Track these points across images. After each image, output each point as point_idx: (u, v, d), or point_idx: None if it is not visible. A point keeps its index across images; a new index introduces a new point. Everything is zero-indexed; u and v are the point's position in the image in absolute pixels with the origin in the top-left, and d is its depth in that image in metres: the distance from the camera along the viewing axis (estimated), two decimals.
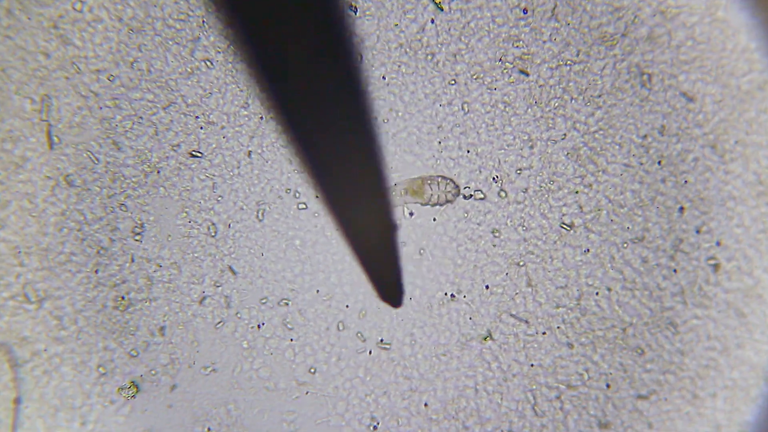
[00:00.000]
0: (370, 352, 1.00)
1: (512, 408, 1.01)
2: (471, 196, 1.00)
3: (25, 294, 0.97)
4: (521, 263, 1.01)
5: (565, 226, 1.00)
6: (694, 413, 1.02)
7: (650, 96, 1.00)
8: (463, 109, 1.00)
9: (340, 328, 1.01)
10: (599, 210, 1.00)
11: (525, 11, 1.00)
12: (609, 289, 1.00)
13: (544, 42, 1.00)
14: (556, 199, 1.00)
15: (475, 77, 1.00)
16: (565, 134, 1.00)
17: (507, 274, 1.01)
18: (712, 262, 1.01)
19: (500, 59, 1.00)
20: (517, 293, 1.01)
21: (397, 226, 0.98)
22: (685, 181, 1.01)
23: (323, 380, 1.01)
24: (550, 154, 1.00)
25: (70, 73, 0.96)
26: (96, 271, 0.98)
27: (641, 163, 1.00)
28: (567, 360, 1.01)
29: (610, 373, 1.01)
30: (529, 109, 1.01)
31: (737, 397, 1.03)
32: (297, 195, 0.99)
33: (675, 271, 1.01)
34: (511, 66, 1.00)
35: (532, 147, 1.01)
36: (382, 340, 1.00)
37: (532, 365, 1.01)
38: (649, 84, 1.00)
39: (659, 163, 1.00)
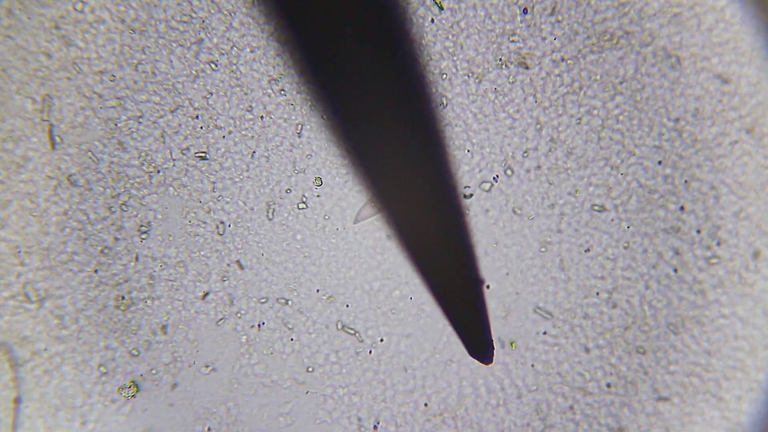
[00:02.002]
0: (370, 352, 1.00)
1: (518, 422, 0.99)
2: (471, 195, 0.98)
3: (26, 293, 0.98)
4: (542, 249, 0.98)
5: (596, 208, 0.97)
6: (719, 417, 0.99)
7: (681, 78, 0.97)
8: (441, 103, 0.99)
9: (339, 327, 1.00)
10: (629, 194, 0.97)
11: (525, 11, 0.98)
12: (647, 287, 0.98)
13: (544, 38, 0.98)
14: (578, 178, 0.97)
15: (469, 71, 0.98)
16: (580, 119, 0.97)
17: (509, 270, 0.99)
18: (751, 249, 0.99)
19: (500, 59, 0.98)
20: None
21: (483, 281, 0.96)
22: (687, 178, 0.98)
23: (321, 378, 1.00)
24: (563, 139, 0.98)
25: (72, 74, 0.97)
26: (96, 271, 0.98)
27: (674, 147, 0.97)
28: (585, 365, 0.98)
29: (628, 376, 0.98)
30: (529, 98, 0.98)
31: (761, 400, 1.00)
32: (307, 196, 0.99)
33: (712, 260, 0.98)
34: (509, 60, 0.98)
35: (540, 130, 0.98)
36: (343, 325, 0.99)
37: (532, 365, 0.99)
38: (679, 66, 0.97)
39: (659, 162, 0.97)
